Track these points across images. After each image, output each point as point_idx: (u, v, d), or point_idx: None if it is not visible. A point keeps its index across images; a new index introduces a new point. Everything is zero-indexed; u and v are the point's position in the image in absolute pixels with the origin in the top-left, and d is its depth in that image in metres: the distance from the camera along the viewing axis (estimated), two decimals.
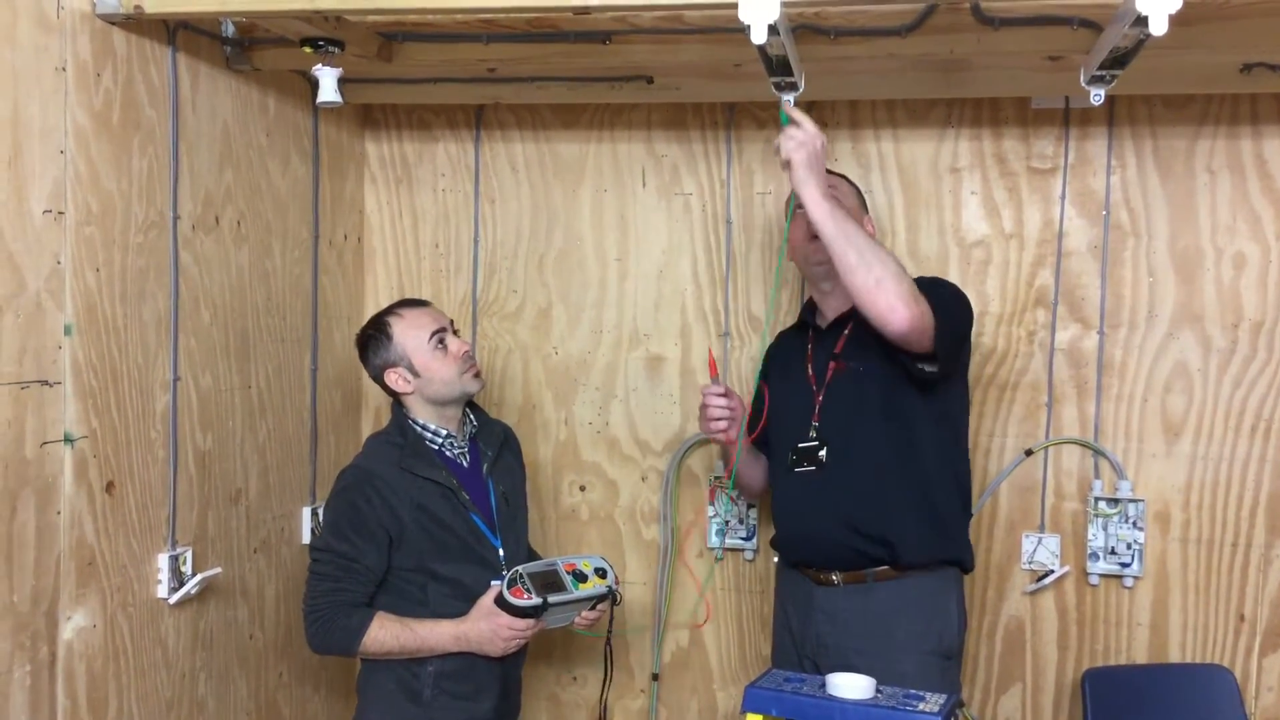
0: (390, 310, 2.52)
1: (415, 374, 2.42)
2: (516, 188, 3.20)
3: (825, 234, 2.20)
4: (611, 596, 2.48)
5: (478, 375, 2.49)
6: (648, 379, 3.15)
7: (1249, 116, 2.80)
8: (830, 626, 2.43)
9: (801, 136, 2.18)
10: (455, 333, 2.50)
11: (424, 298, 2.62)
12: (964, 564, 2.50)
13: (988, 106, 2.93)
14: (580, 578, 2.42)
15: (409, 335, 2.44)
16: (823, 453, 2.44)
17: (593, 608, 2.48)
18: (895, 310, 2.18)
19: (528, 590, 2.32)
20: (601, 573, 2.47)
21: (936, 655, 2.41)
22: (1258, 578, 2.85)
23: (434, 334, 2.44)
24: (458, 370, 2.44)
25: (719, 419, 2.52)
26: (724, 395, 2.53)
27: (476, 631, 2.33)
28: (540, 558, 2.59)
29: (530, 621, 2.33)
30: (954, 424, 2.51)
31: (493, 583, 2.37)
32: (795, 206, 2.27)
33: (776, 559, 2.66)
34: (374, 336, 2.48)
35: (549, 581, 2.36)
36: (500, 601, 2.31)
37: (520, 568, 2.36)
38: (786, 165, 2.20)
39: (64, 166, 2.07)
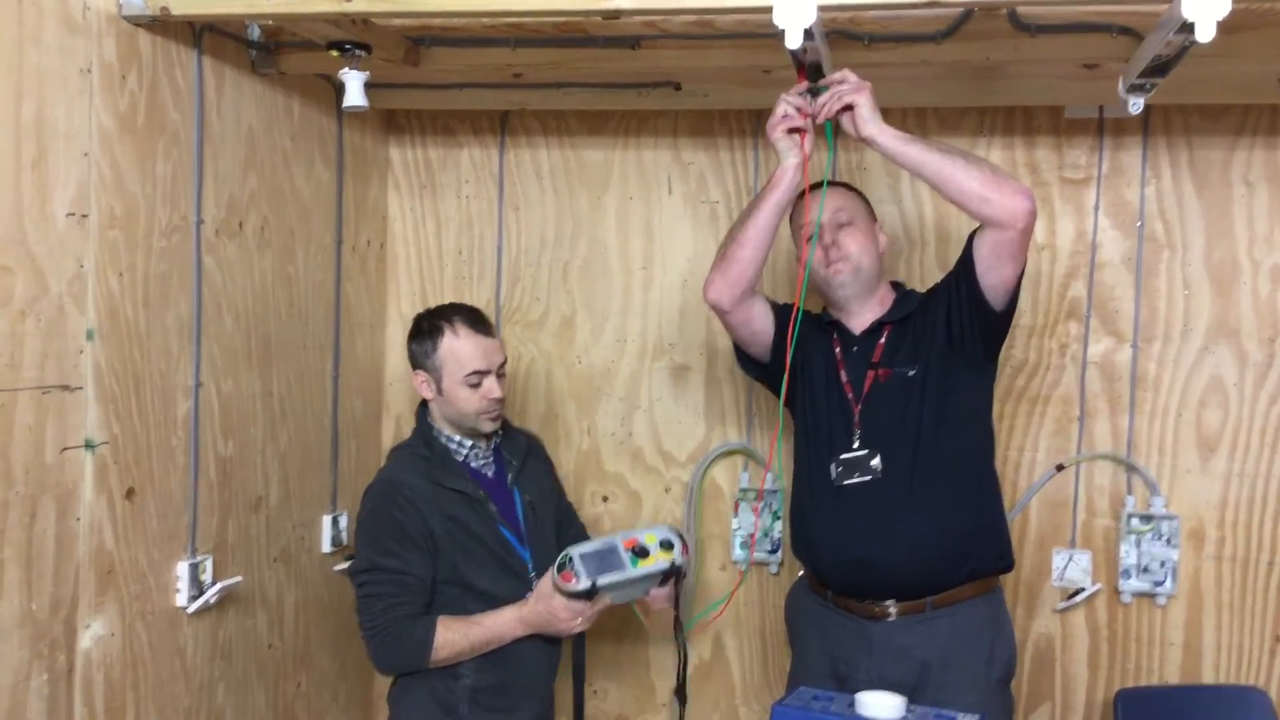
0: (451, 319, 2.40)
1: (439, 390, 2.38)
2: (541, 194, 3.17)
3: (916, 160, 2.14)
4: (675, 572, 2.33)
5: (495, 419, 2.42)
6: (672, 389, 3.12)
7: None
8: (896, 666, 2.30)
9: (855, 80, 2.12)
10: (501, 375, 2.41)
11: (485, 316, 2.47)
12: (1010, 565, 2.44)
13: (1021, 115, 2.89)
14: (640, 554, 2.28)
15: (450, 360, 2.36)
16: (875, 461, 2.32)
17: (661, 583, 2.35)
18: (1021, 191, 2.14)
19: (576, 574, 2.24)
20: (667, 545, 2.31)
21: (1001, 682, 2.36)
22: None
23: (474, 372, 2.36)
24: (477, 410, 2.38)
25: (789, 115, 2.18)
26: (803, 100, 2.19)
27: (536, 614, 2.30)
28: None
29: (587, 603, 2.28)
30: (990, 418, 2.45)
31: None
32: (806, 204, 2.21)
33: (800, 576, 2.60)
34: (425, 333, 2.40)
35: (604, 561, 2.26)
36: (555, 584, 2.27)
37: (572, 548, 2.27)
38: (840, 115, 2.13)
39: (88, 169, 2.05)
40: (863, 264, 2.39)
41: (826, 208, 2.39)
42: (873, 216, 2.50)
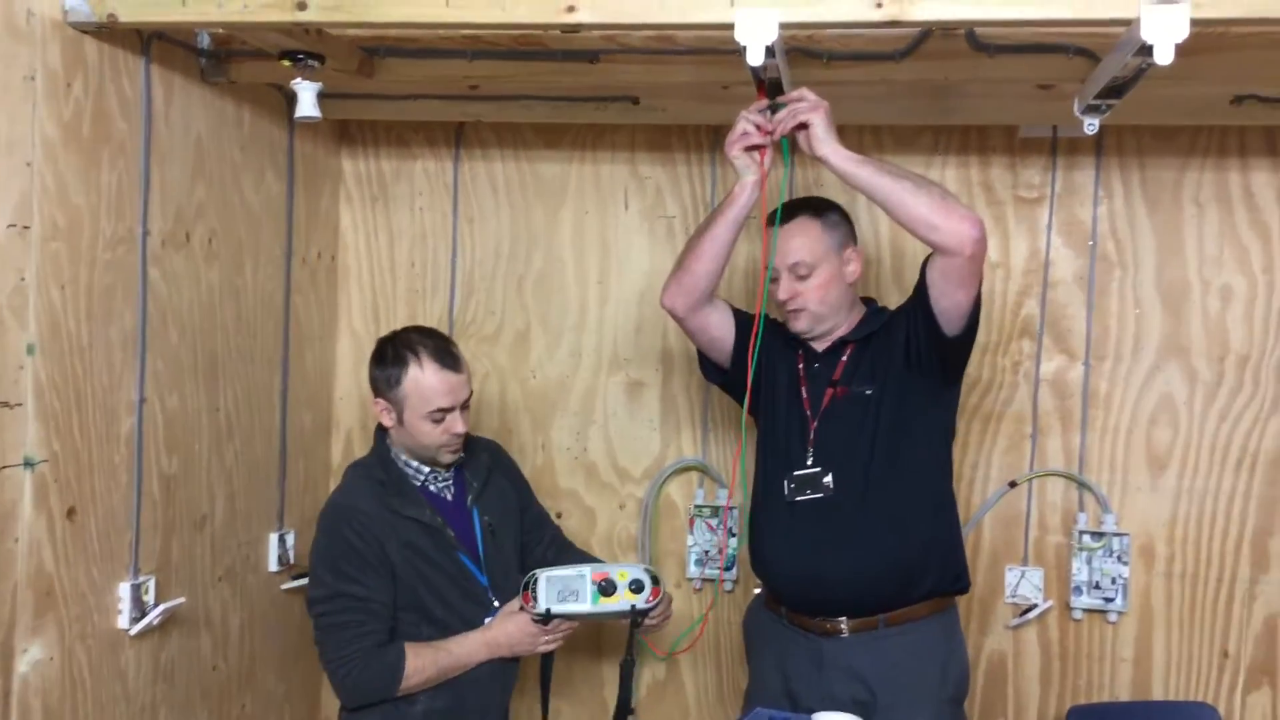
0: (418, 352, 2.30)
1: (399, 421, 2.33)
2: (496, 208, 3.14)
3: (866, 183, 2.12)
4: (633, 615, 2.31)
5: (455, 452, 2.37)
6: (627, 405, 3.09)
7: (1237, 149, 2.79)
8: (846, 684, 2.29)
9: (812, 99, 2.10)
10: (465, 408, 2.35)
11: (443, 336, 2.41)
12: (966, 587, 2.43)
13: (975, 134, 2.90)
14: (606, 590, 2.28)
15: (414, 395, 2.28)
16: (827, 478, 2.32)
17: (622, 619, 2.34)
18: (968, 219, 2.12)
19: (535, 597, 2.26)
20: (636, 587, 2.29)
21: (953, 701, 2.35)
22: (1242, 613, 2.83)
23: (438, 409, 2.29)
24: (438, 444, 2.32)
25: (748, 133, 2.17)
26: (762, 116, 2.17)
27: (505, 634, 2.28)
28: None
29: (553, 623, 2.28)
30: (949, 440, 2.44)
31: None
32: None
33: (758, 593, 2.58)
34: (389, 361, 2.32)
35: (566, 590, 2.27)
36: (520, 602, 2.28)
37: (541, 570, 2.27)
38: (796, 133, 2.11)
39: (30, 179, 1.99)
40: (822, 312, 2.37)
41: (786, 255, 2.35)
42: (845, 242, 2.41)
